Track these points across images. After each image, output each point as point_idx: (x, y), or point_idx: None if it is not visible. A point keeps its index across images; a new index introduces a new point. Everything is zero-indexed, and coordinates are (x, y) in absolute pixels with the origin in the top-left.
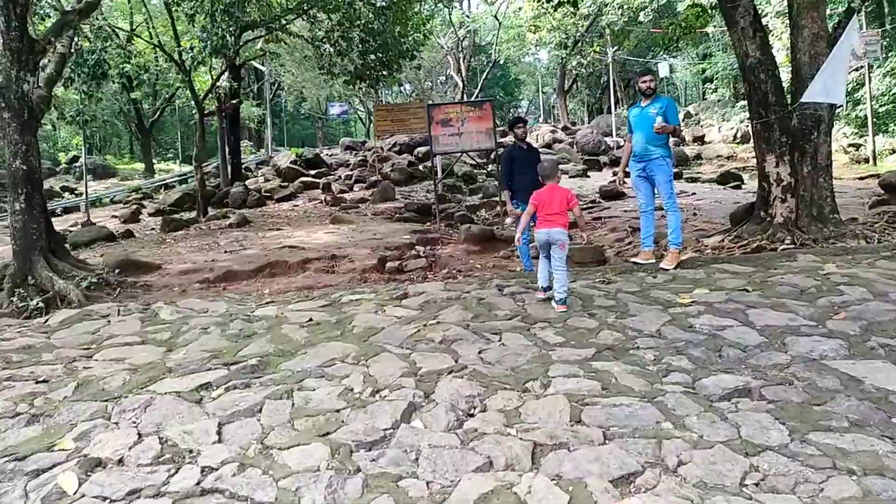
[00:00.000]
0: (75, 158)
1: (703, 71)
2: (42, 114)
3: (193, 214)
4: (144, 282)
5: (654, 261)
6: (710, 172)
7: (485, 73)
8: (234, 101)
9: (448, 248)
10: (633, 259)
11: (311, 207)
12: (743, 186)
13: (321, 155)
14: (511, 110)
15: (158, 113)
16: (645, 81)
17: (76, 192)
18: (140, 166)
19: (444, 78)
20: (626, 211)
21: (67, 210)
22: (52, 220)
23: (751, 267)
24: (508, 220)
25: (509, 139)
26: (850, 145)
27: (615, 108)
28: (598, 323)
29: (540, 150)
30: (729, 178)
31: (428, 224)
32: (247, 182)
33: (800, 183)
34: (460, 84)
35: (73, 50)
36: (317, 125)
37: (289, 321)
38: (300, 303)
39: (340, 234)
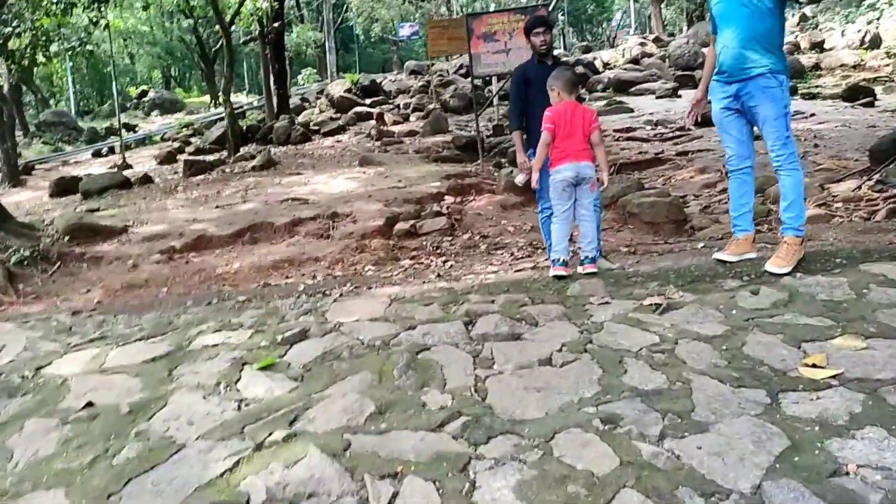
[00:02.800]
0: (144, 93)
1: None
2: None
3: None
4: (95, 253)
5: (752, 255)
6: (832, 86)
7: None
8: (275, 25)
9: (482, 200)
10: (719, 255)
11: (354, 143)
12: (877, 103)
13: (381, 81)
14: (603, 25)
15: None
16: None
17: (136, 129)
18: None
19: None
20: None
21: (113, 150)
22: (93, 161)
23: None
24: (520, 178)
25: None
26: None
27: None
28: (618, 457)
29: (625, 66)
30: (858, 93)
31: (475, 164)
32: (303, 113)
33: None
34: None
35: None
36: (392, 49)
37: (59, 402)
38: (134, 343)
39: (363, 179)
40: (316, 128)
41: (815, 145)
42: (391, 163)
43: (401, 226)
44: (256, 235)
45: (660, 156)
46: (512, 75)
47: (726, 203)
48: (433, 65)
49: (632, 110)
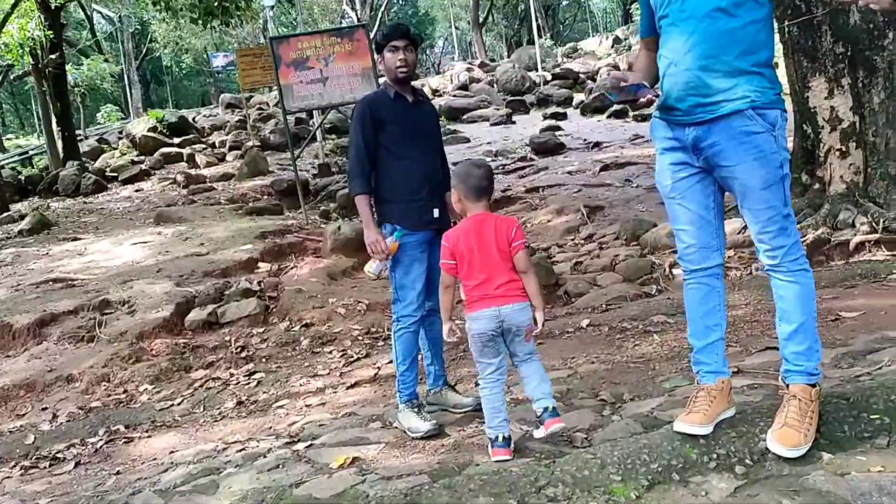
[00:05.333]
0: None
1: None
2: None
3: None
4: None
5: (731, 412)
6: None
7: (383, 6)
8: (53, 56)
9: (305, 267)
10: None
11: (157, 191)
12: None
13: (194, 117)
14: (425, 52)
15: (1, 78)
16: None
17: None
18: None
19: (352, 18)
20: (570, 173)
21: None
22: None
23: None
24: (372, 268)
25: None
26: None
27: (538, 38)
28: None
29: (454, 93)
30: None
31: (297, 212)
32: (101, 157)
33: (868, 123)
34: (356, 21)
35: None
36: (209, 81)
37: None
38: None
39: (156, 244)
40: (114, 174)
41: None
42: (195, 218)
43: (196, 315)
44: None
45: (508, 194)
46: (352, 115)
47: (598, 257)
48: (251, 97)
49: (468, 140)
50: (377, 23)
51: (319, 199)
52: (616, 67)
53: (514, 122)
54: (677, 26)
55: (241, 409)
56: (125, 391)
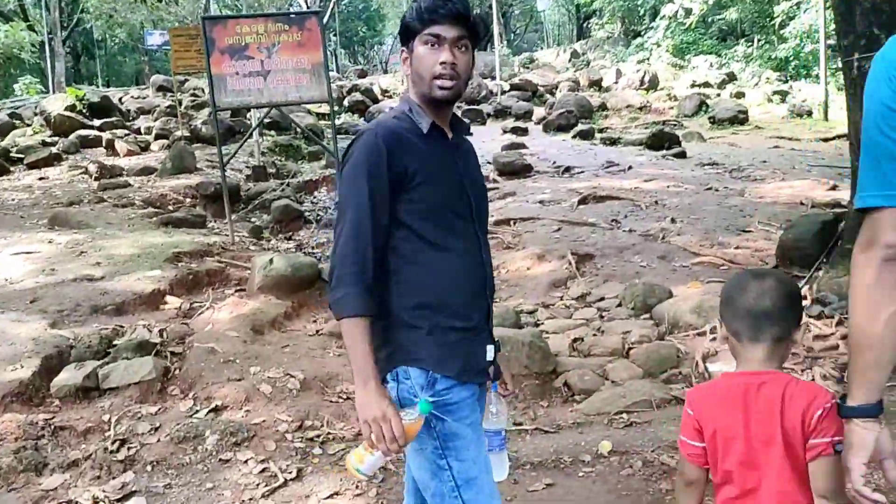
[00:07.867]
0: None
1: (579, 8)
2: None
3: None
4: None
5: None
6: (622, 128)
7: None
8: None
9: (225, 308)
10: None
11: (65, 181)
12: (689, 156)
13: (121, 98)
14: (374, 48)
15: None
16: None
17: None
18: None
19: (301, 6)
20: (542, 202)
21: None
22: None
23: None
24: (363, 466)
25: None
26: (774, 93)
27: (498, 44)
28: None
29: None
30: (663, 141)
31: (224, 224)
32: (10, 134)
33: None
34: (305, 9)
35: None
36: (144, 59)
37: None
38: None
39: (42, 256)
40: (20, 155)
41: (673, 220)
42: (99, 224)
43: (68, 377)
44: None
45: None
46: (351, 155)
47: (602, 332)
48: (185, 81)
49: None
50: (330, 11)
51: (251, 209)
52: (576, 83)
53: (470, 134)
54: None
55: None
56: None
